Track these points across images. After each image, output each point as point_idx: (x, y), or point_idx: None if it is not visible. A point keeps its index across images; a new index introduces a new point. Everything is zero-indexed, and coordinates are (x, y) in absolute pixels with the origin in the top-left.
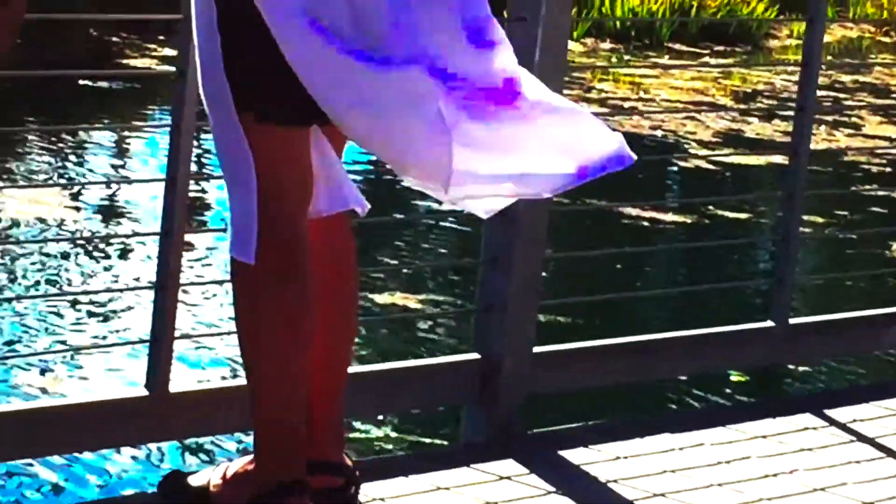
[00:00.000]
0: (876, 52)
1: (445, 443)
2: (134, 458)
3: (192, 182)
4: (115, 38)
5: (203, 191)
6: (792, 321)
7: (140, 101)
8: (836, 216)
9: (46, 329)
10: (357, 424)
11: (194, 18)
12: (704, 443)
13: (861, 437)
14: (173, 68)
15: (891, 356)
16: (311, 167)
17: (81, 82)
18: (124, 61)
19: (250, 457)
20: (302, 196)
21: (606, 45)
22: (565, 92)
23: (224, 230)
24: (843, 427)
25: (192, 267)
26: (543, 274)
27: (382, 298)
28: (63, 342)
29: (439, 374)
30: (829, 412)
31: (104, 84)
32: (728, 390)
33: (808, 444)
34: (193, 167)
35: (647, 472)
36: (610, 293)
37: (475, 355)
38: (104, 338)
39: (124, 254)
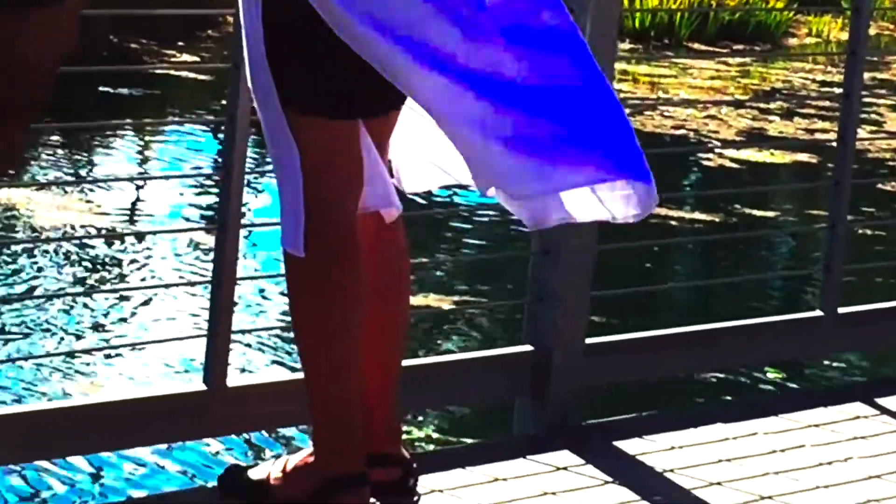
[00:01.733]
0: (895, 48)
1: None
2: (193, 453)
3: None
4: (133, 45)
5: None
6: (841, 310)
7: (162, 107)
8: (863, 213)
9: (100, 326)
10: (408, 419)
11: (241, 9)
12: (758, 432)
13: None
14: (225, 64)
15: None
16: (360, 159)
17: (101, 89)
18: (142, 67)
19: (310, 450)
20: (350, 187)
21: (625, 45)
22: None
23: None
24: (894, 415)
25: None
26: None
27: (431, 293)
28: (120, 338)
29: (491, 368)
30: (879, 401)
31: (124, 91)
32: (777, 381)
33: (861, 432)
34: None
35: (701, 461)
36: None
37: (527, 347)
38: (161, 333)
39: (176, 251)
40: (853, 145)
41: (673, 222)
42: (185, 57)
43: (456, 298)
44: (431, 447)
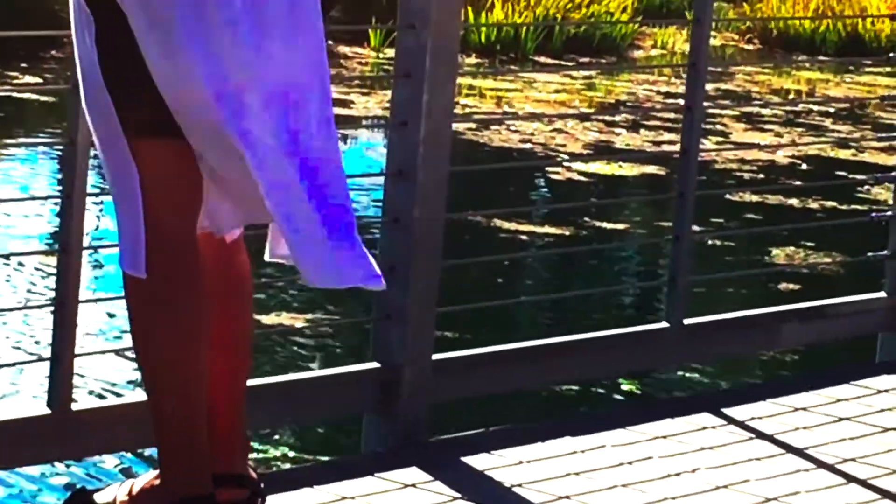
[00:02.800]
0: (740, 59)
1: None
2: (37, 478)
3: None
4: None
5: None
6: (686, 321)
7: (6, 129)
8: (712, 223)
9: None
10: (258, 438)
11: (74, 33)
12: (606, 444)
13: (760, 435)
14: (64, 85)
15: (785, 354)
16: (199, 179)
17: None
18: None
19: (156, 472)
20: (189, 208)
21: (472, 59)
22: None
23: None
24: (741, 425)
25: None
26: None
27: (273, 314)
28: None
29: (338, 385)
30: (726, 411)
31: None
32: (624, 392)
33: (708, 442)
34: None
35: (550, 475)
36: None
37: (374, 364)
38: (5, 357)
39: (16, 274)
40: (696, 157)
41: (523, 237)
42: (28, 78)
43: (305, 316)
44: (285, 465)
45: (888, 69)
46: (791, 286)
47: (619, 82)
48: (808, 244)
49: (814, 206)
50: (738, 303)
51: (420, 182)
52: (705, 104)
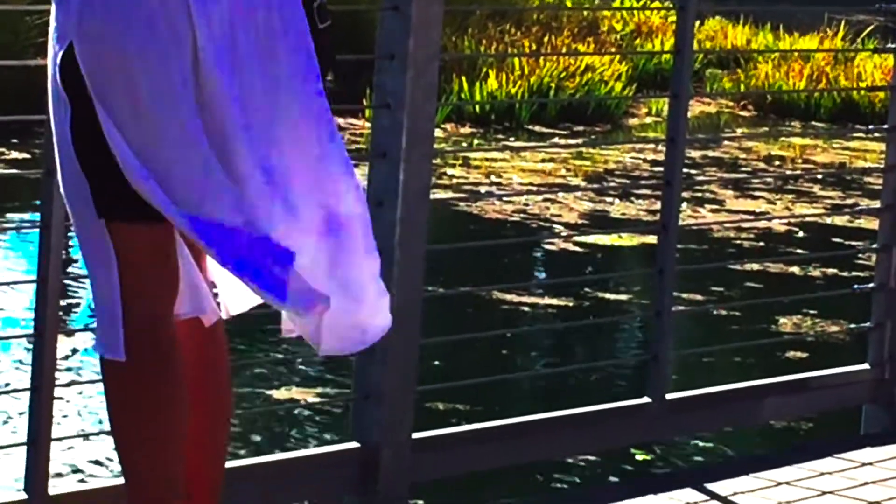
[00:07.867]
0: (734, 126)
1: None
2: None
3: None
4: None
5: (74, 291)
6: (668, 396)
7: None
8: (713, 292)
9: None
10: None
11: (51, 116)
12: None
13: None
14: (38, 169)
15: (768, 427)
16: (176, 264)
17: None
18: None
19: None
20: (166, 291)
21: (466, 129)
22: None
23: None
24: (724, 500)
25: (68, 368)
26: (437, 361)
27: (257, 390)
28: None
29: (317, 466)
30: (709, 486)
31: None
32: (611, 467)
33: None
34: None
35: None
36: (486, 377)
37: (354, 444)
38: None
39: None
40: (675, 233)
41: (525, 308)
42: (14, 154)
43: (283, 395)
44: None
45: (878, 135)
46: (799, 354)
47: (608, 150)
48: (812, 312)
49: (815, 273)
50: (743, 373)
51: (397, 261)
52: (693, 172)
